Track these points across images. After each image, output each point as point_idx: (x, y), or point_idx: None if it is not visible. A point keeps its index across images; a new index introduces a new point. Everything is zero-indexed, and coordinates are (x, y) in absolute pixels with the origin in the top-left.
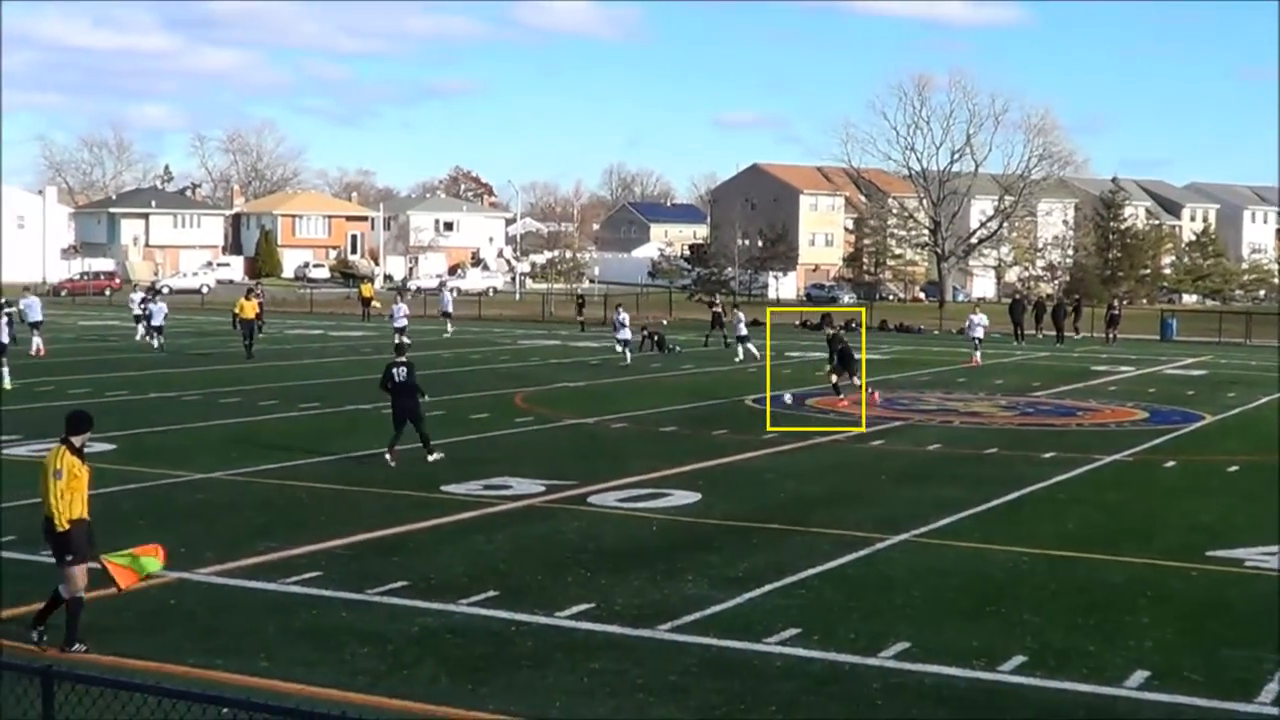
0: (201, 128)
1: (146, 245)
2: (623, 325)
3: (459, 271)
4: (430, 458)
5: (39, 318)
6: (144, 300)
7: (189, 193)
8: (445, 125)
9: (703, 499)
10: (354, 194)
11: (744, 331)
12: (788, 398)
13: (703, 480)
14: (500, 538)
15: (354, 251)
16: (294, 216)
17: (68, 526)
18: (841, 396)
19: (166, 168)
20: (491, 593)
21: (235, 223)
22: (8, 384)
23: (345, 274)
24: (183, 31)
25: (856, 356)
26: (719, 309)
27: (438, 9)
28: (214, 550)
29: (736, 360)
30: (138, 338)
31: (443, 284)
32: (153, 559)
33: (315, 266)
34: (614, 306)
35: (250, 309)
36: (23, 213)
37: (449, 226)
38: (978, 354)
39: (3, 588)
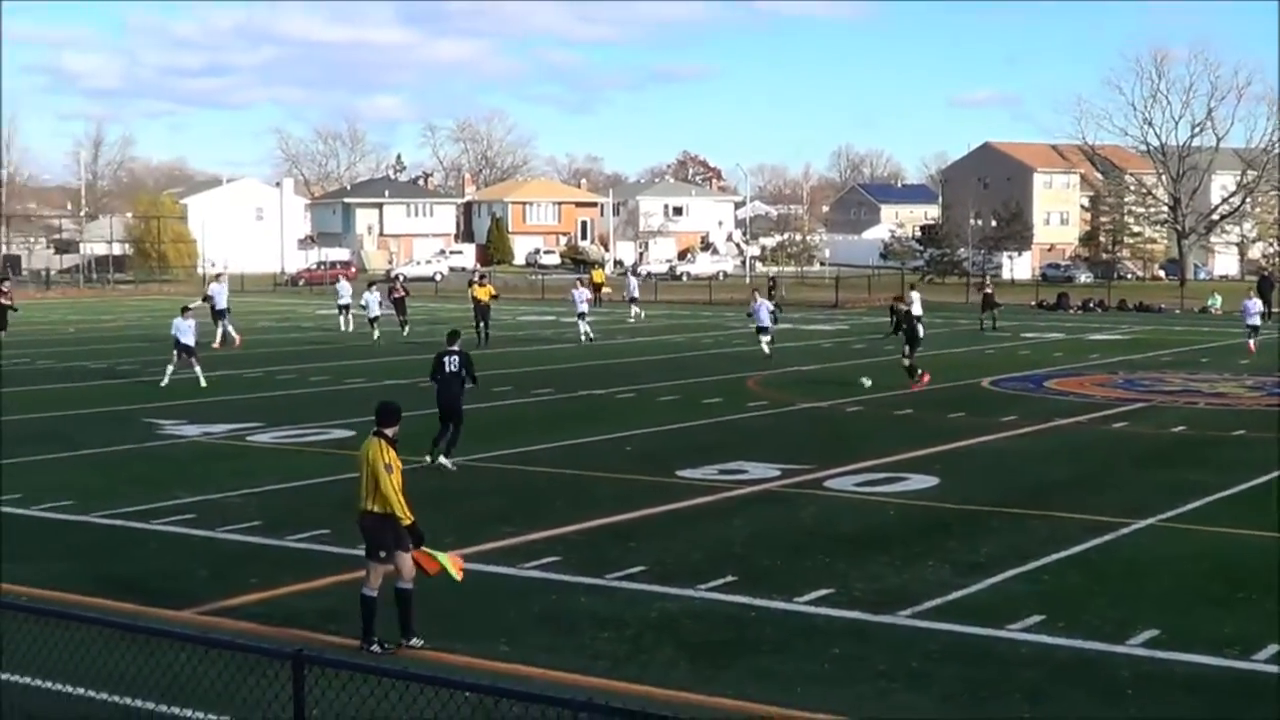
0: (433, 118)
1: (381, 234)
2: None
3: (688, 256)
4: (443, 460)
5: (224, 305)
6: (388, 291)
7: (421, 182)
8: (674, 110)
9: (941, 483)
10: (583, 180)
11: (919, 311)
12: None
13: (940, 464)
14: (737, 522)
15: (584, 237)
16: (524, 203)
17: (412, 518)
18: (923, 373)
19: (399, 157)
20: (729, 578)
21: (467, 211)
22: (203, 381)
23: (575, 260)
24: (417, 25)
25: (921, 335)
26: (990, 290)
27: None
28: (453, 535)
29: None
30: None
31: (626, 270)
32: (455, 569)
33: (546, 253)
34: (750, 291)
35: (484, 293)
36: (261, 204)
37: (678, 211)
38: (1252, 341)
39: (252, 572)
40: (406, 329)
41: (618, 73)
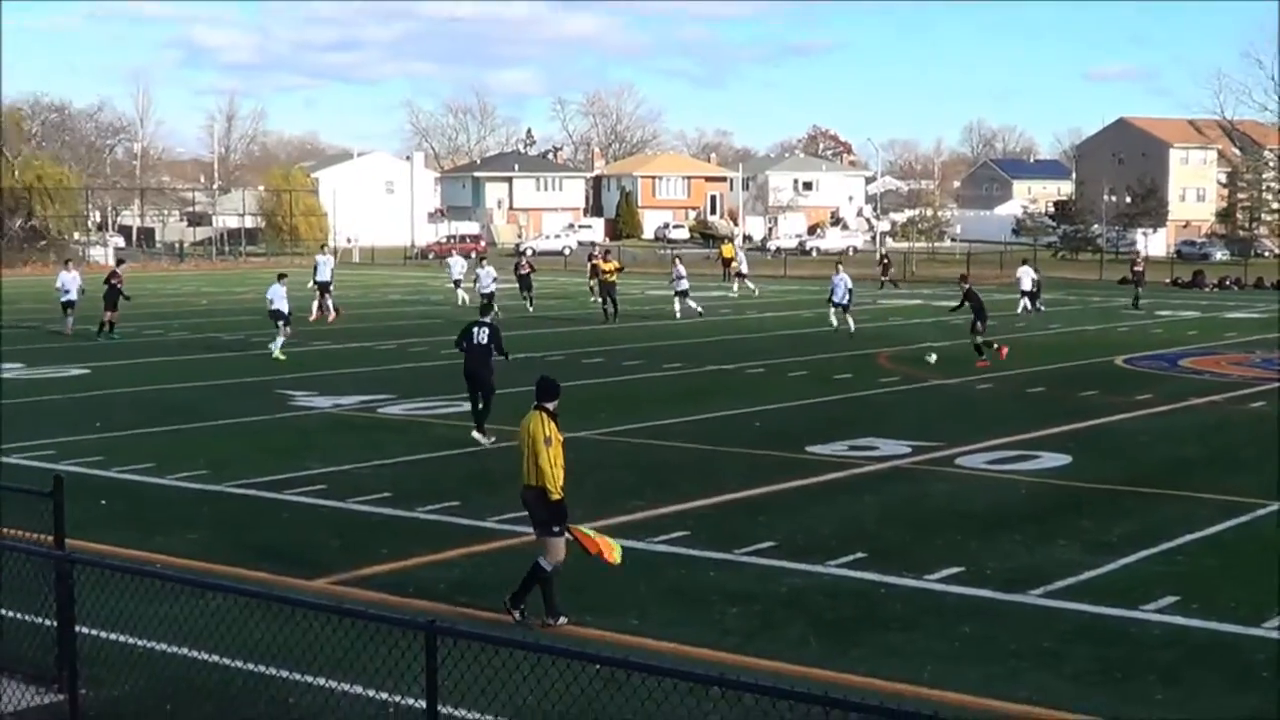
0: (562, 91)
1: (510, 208)
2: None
3: (818, 231)
4: (474, 435)
5: (326, 278)
6: (514, 266)
7: (550, 156)
8: (805, 84)
9: (1073, 461)
10: (712, 155)
11: (1027, 286)
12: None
13: (1073, 442)
14: (867, 499)
15: (713, 212)
16: (654, 178)
17: (561, 495)
18: (997, 346)
19: (529, 132)
20: (859, 554)
21: (596, 185)
22: (278, 354)
23: (705, 234)
24: None
25: (989, 312)
26: (1140, 268)
27: None
28: (583, 508)
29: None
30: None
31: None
32: (613, 554)
33: (675, 227)
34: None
35: (610, 269)
36: (391, 178)
37: (808, 186)
38: None
39: (383, 543)
40: (532, 305)
41: (749, 46)
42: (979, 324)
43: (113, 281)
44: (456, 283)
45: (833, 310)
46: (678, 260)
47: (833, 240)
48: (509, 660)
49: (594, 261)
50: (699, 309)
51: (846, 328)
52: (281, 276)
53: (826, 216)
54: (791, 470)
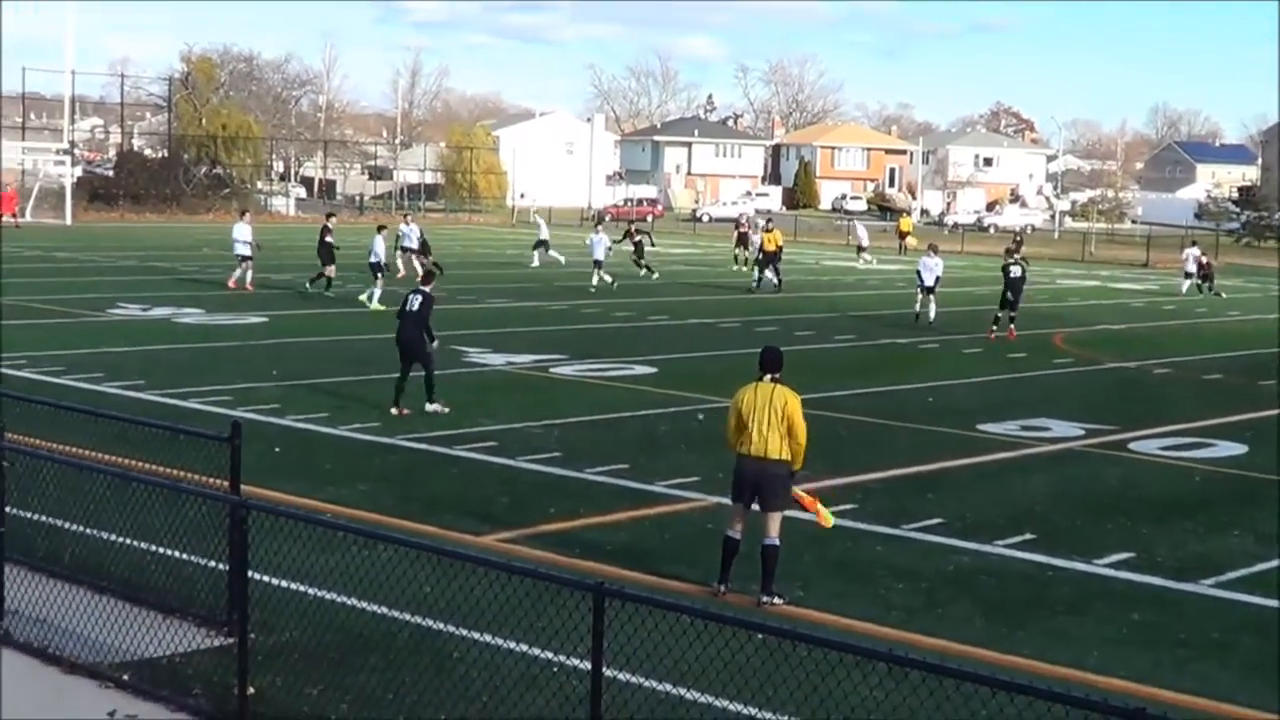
0: (745, 59)
1: (688, 173)
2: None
3: (996, 208)
4: (428, 407)
5: (414, 245)
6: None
7: (730, 123)
8: (990, 60)
9: (1250, 451)
10: (893, 127)
11: (1192, 268)
12: None
13: (1250, 431)
14: (1037, 480)
15: (891, 185)
16: (833, 148)
17: (800, 468)
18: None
19: (710, 98)
20: (1028, 535)
21: (775, 153)
22: (376, 305)
23: (882, 207)
24: None
25: (1024, 289)
26: None
27: None
28: None
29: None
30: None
31: (852, 218)
32: (825, 517)
33: (852, 199)
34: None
35: (771, 241)
36: (571, 139)
37: (988, 162)
38: None
39: (551, 503)
40: (646, 271)
41: (934, 20)
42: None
43: (326, 238)
44: (597, 263)
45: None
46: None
47: (1011, 218)
48: (676, 625)
49: (742, 230)
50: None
51: (927, 314)
52: (381, 229)
53: (1006, 193)
54: (962, 448)
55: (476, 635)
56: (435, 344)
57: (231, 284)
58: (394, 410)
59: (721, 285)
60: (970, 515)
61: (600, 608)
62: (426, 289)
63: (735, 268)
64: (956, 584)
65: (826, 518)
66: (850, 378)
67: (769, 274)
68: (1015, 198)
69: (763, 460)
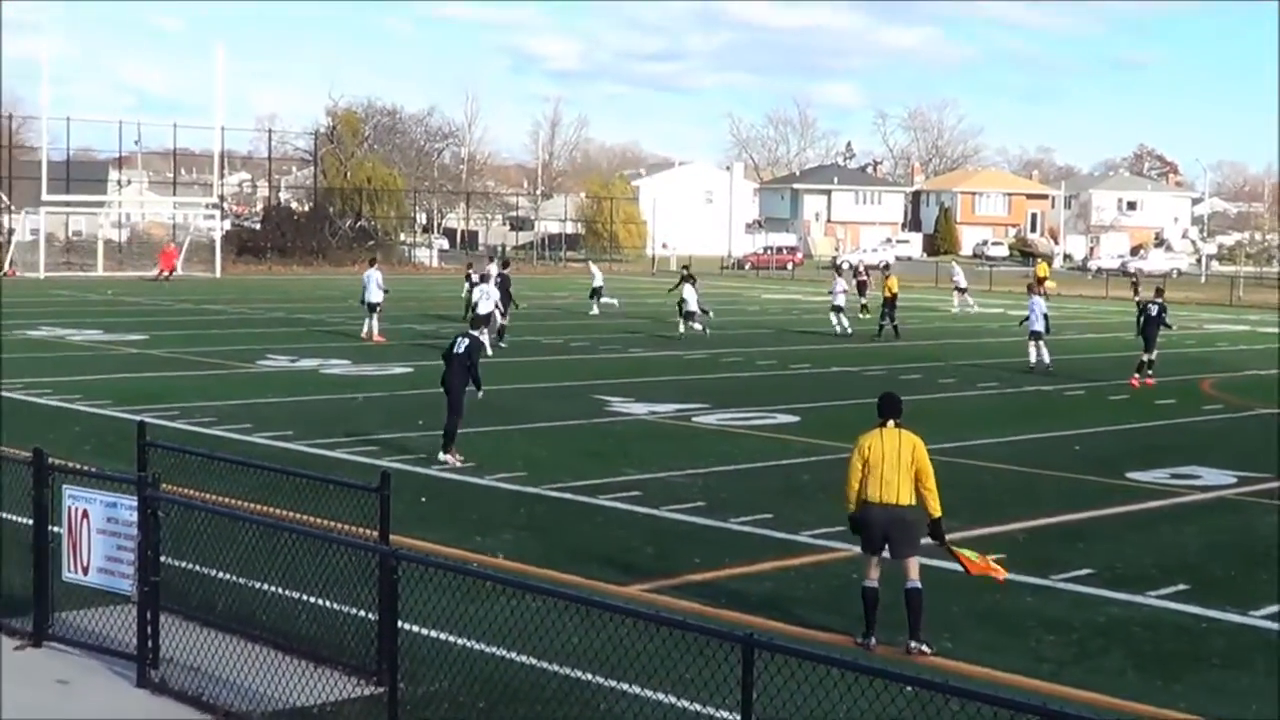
0: (884, 105)
1: (828, 221)
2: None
3: (1140, 252)
4: (441, 456)
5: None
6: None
7: (870, 169)
8: (1132, 101)
9: None
10: (1034, 171)
11: None
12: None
13: None
14: (1189, 529)
15: (1033, 229)
16: (973, 194)
17: (939, 514)
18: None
19: (849, 145)
20: (1181, 586)
21: (915, 199)
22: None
23: (1024, 252)
24: (873, 10)
25: (1162, 331)
26: None
27: None
28: None
29: None
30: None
31: (952, 260)
32: (995, 572)
33: (993, 244)
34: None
35: (890, 286)
36: (710, 188)
37: (1131, 206)
38: None
39: (696, 552)
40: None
41: (1076, 62)
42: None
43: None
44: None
45: (1031, 343)
46: (838, 274)
47: (1155, 262)
48: (827, 678)
49: (860, 278)
50: (848, 328)
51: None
52: (484, 278)
53: (1150, 237)
54: (1111, 496)
55: (624, 686)
56: (481, 393)
57: (364, 336)
58: (444, 456)
59: (859, 334)
60: (1121, 565)
61: (750, 659)
62: (475, 333)
63: (863, 315)
64: (1108, 635)
65: (998, 570)
66: (995, 426)
67: (884, 321)
68: (1160, 242)
69: (893, 507)
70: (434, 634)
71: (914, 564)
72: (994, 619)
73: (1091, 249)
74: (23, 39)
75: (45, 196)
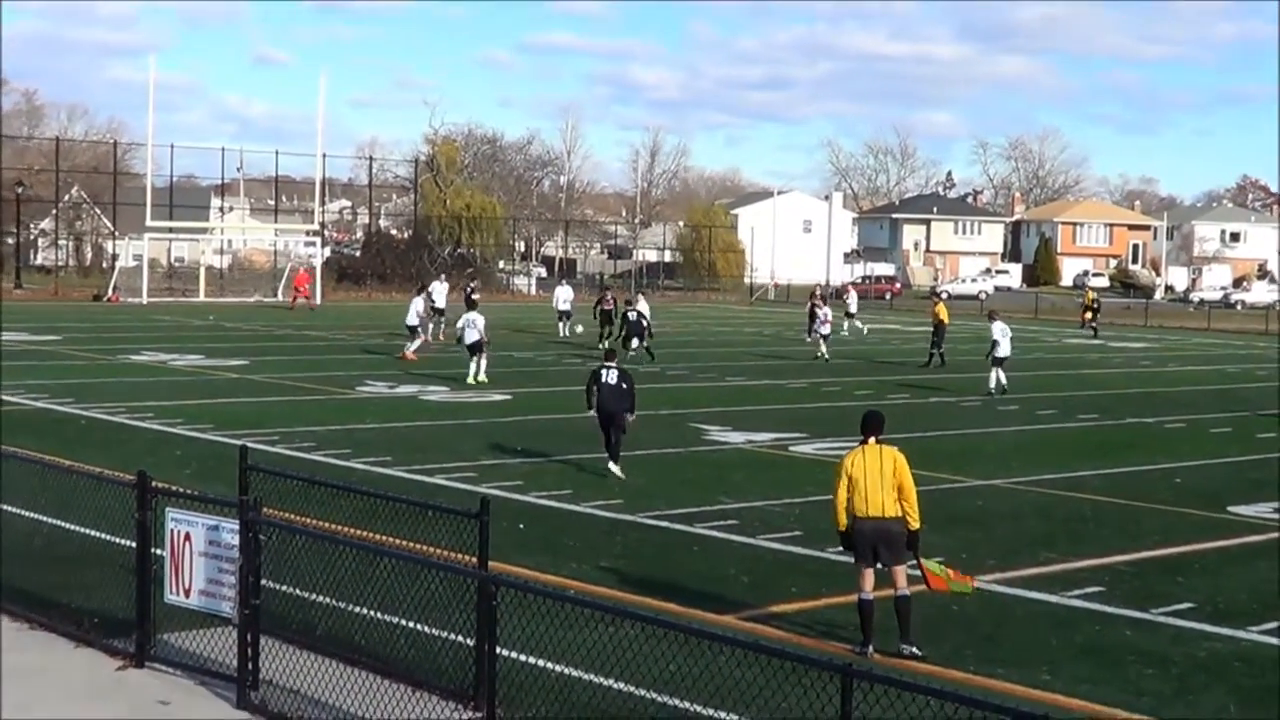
0: (985, 134)
1: (927, 251)
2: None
3: (1244, 284)
4: (610, 466)
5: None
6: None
7: (970, 199)
8: (1237, 132)
9: None
10: (1136, 202)
11: None
12: None
13: None
14: None
15: (1134, 261)
16: (1074, 224)
17: (920, 527)
18: None
19: (949, 174)
20: None
21: (1015, 230)
22: (482, 377)
23: (1125, 284)
24: (977, 40)
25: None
26: None
27: (1242, 10)
28: (994, 558)
29: None
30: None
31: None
32: (966, 585)
33: (1094, 275)
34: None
35: (942, 313)
36: (809, 217)
37: (1234, 237)
38: None
39: (793, 582)
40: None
41: (1184, 92)
42: None
43: (603, 306)
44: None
45: (993, 369)
46: (824, 303)
47: (1259, 294)
48: (926, 708)
49: (813, 303)
50: (826, 355)
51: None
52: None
53: (1253, 269)
54: (1212, 530)
55: (722, 714)
56: (633, 416)
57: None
58: (613, 468)
59: (959, 364)
60: (1222, 600)
61: (848, 688)
62: (615, 364)
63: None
64: (1209, 671)
65: (956, 583)
66: (1095, 457)
67: (934, 350)
68: (1264, 273)
69: (880, 520)
70: (531, 660)
71: (901, 573)
72: (1093, 652)
73: (1194, 280)
74: (129, 65)
75: (149, 223)
